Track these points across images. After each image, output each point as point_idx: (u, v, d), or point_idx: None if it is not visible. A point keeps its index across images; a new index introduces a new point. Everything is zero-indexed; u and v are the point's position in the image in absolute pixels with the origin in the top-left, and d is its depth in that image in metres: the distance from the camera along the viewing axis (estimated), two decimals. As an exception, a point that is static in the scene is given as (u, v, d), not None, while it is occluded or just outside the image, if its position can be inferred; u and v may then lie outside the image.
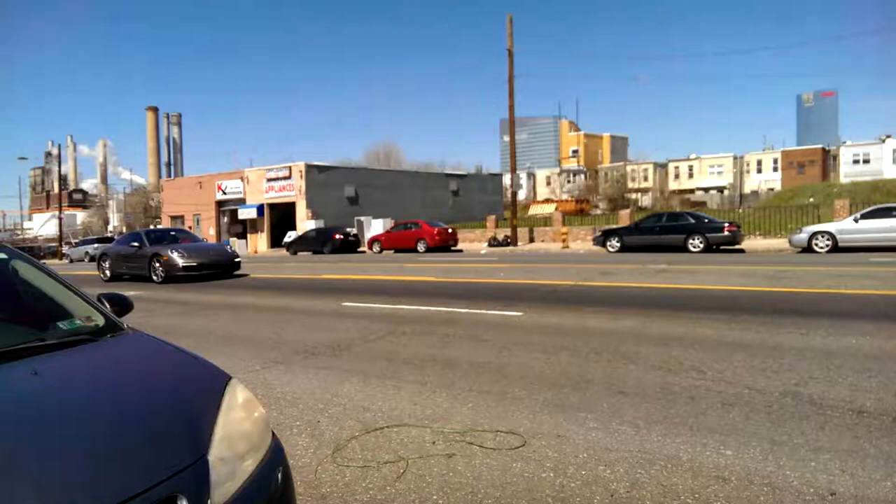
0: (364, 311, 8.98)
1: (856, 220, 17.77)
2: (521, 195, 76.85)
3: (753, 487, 2.73)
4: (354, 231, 33.30)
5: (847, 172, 64.76)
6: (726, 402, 3.93)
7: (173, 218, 48.83)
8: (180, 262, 14.95)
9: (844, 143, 73.11)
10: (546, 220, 35.36)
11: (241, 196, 43.87)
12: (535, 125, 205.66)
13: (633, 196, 71.15)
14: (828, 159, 72.72)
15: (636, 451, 3.20)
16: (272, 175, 41.67)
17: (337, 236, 30.86)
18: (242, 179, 43.89)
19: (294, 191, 40.27)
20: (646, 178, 79.46)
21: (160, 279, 15.11)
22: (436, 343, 6.25)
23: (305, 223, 38.12)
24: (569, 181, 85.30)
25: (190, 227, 47.63)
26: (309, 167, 40.27)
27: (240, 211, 43.30)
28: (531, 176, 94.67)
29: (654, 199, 71.70)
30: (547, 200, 68.42)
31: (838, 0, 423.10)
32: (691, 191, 74.88)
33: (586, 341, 5.98)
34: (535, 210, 57.46)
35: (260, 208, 42.26)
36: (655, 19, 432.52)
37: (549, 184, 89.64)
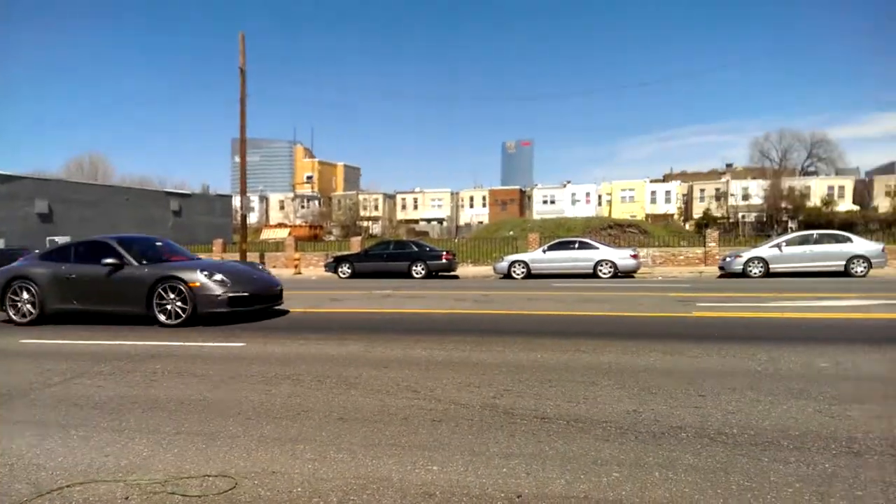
0: (50, 348, 7.55)
1: (544, 251, 21.27)
2: (254, 218, 73.88)
3: (455, 499, 2.95)
4: (44, 253, 28.00)
5: (539, 210, 77.01)
6: (435, 419, 4.23)
7: None
8: (219, 291, 9.22)
9: (536, 185, 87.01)
10: (279, 245, 34.53)
11: None
12: (270, 148, 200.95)
13: (365, 224, 74.22)
14: (524, 199, 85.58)
15: (351, 477, 3.22)
16: (-76, 180, 32.93)
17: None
18: None
19: (-42, 201, 32.39)
20: (376, 208, 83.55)
21: (178, 319, 9.07)
22: (139, 382, 5.53)
23: (-26, 242, 30.87)
24: (303, 206, 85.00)
25: None
26: (-18, 174, 32.92)
27: None
28: (264, 199, 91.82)
29: (383, 227, 75.73)
30: (280, 225, 67.15)
31: (542, 67, 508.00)
32: (416, 221, 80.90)
33: (310, 369, 5.91)
34: (267, 234, 55.80)
35: None
36: (384, 57, 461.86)
37: (282, 208, 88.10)
